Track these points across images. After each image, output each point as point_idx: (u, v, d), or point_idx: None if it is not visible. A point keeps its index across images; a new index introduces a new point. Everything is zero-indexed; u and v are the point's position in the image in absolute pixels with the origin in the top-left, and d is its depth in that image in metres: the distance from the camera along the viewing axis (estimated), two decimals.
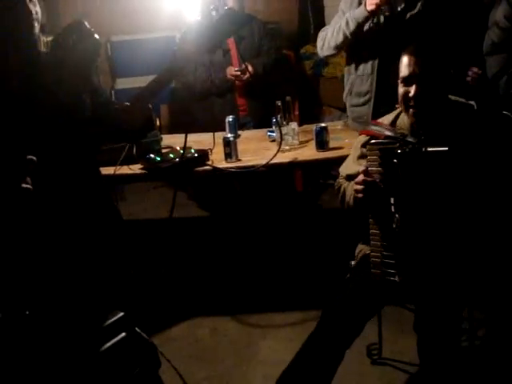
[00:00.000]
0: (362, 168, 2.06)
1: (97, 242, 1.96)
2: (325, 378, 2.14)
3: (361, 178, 2.05)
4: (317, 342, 2.15)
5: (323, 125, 3.05)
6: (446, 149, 1.90)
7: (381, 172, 2.01)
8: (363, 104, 3.07)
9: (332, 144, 3.04)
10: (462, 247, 1.94)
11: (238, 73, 3.75)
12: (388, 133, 2.15)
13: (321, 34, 3.12)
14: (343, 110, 4.37)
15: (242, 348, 2.90)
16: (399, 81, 2.12)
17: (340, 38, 2.95)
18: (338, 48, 3.03)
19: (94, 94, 1.99)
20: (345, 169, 2.34)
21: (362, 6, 2.86)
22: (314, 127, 3.06)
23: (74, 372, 1.60)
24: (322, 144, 3.01)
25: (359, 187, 2.05)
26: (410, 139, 2.03)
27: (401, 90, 2.11)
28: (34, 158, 1.55)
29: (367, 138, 2.22)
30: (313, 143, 3.06)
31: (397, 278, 1.99)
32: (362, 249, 2.30)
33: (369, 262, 2.10)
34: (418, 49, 2.08)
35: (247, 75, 3.74)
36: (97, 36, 1.90)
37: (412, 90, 2.06)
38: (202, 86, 3.82)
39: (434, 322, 2.10)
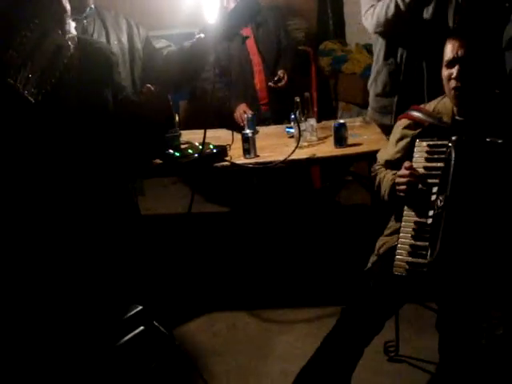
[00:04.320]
0: (406, 163, 2.11)
1: (116, 237, 1.98)
2: (344, 375, 2.14)
3: (405, 172, 2.09)
4: (336, 338, 2.15)
5: (342, 121, 3.04)
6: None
7: (426, 166, 2.09)
8: (388, 94, 2.99)
9: (350, 141, 3.03)
10: (501, 244, 1.95)
11: (276, 84, 3.71)
12: (430, 119, 2.21)
13: (369, 11, 2.82)
14: (362, 106, 4.36)
15: (260, 343, 2.91)
16: (444, 64, 2.17)
17: (391, 11, 2.68)
18: (388, 24, 2.74)
19: (115, 91, 2.02)
20: (383, 154, 2.38)
21: None
22: (332, 123, 3.05)
23: (92, 365, 1.62)
24: (340, 140, 3.00)
25: (403, 180, 2.09)
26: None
27: (445, 73, 2.17)
28: None
29: (408, 121, 2.28)
30: (331, 139, 3.05)
31: (426, 269, 1.98)
32: (385, 241, 2.29)
33: (393, 254, 2.10)
34: (463, 32, 2.16)
35: (283, 82, 3.71)
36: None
37: (455, 71, 2.12)
38: (218, 102, 3.77)
39: (457, 320, 2.07)
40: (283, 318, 3.09)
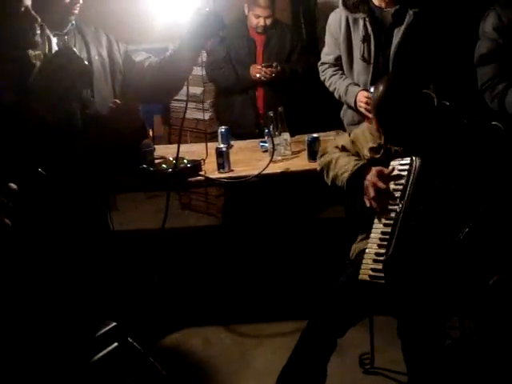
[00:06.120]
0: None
1: (85, 252, 1.97)
2: (319, 366, 2.16)
3: (375, 181, 2.17)
4: (311, 331, 2.17)
5: (315, 135, 3.07)
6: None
7: (397, 183, 2.19)
8: (358, 122, 3.06)
9: None
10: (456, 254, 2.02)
11: (263, 70, 3.66)
12: None
13: (322, 67, 3.22)
14: None
15: (236, 358, 2.90)
16: None
17: (336, 96, 3.09)
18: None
19: (83, 106, 2.01)
20: (339, 140, 2.47)
21: (353, 97, 2.94)
22: (306, 138, 3.08)
23: (66, 382, 1.60)
24: (314, 154, 3.02)
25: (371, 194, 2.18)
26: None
27: None
28: (15, 187, 1.56)
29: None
30: (305, 154, 3.08)
31: (383, 280, 2.07)
32: (355, 247, 2.39)
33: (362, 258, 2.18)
34: (381, 120, 2.20)
35: (273, 69, 3.66)
36: (86, 62, 1.94)
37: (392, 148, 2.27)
38: (227, 81, 3.78)
39: (416, 326, 2.09)
40: (259, 332, 3.08)
